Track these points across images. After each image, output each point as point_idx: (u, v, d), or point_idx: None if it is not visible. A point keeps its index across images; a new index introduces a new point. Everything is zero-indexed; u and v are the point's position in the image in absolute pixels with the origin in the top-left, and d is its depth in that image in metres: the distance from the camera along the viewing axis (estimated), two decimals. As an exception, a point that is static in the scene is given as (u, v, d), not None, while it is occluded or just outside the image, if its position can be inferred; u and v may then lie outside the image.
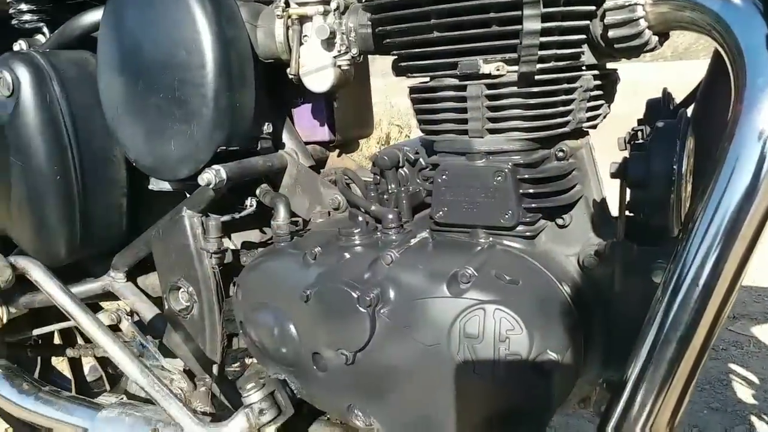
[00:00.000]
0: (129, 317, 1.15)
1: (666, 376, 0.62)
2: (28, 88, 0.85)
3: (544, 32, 0.64)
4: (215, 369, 0.96)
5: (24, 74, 0.85)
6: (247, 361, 1.15)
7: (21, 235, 0.94)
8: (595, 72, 0.73)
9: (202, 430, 0.81)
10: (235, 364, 1.15)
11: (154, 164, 0.90)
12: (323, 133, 1.02)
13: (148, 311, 1.07)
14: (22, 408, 1.06)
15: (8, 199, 0.93)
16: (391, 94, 5.14)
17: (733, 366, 2.18)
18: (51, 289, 0.80)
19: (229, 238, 0.99)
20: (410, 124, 5.16)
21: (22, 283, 1.00)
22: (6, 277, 0.76)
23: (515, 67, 0.67)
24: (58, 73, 0.89)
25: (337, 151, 1.09)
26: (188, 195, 0.94)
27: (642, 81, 3.06)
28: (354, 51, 0.84)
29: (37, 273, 0.80)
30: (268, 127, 0.95)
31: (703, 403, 1.95)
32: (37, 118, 0.86)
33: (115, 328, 1.08)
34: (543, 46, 0.65)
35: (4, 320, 1.14)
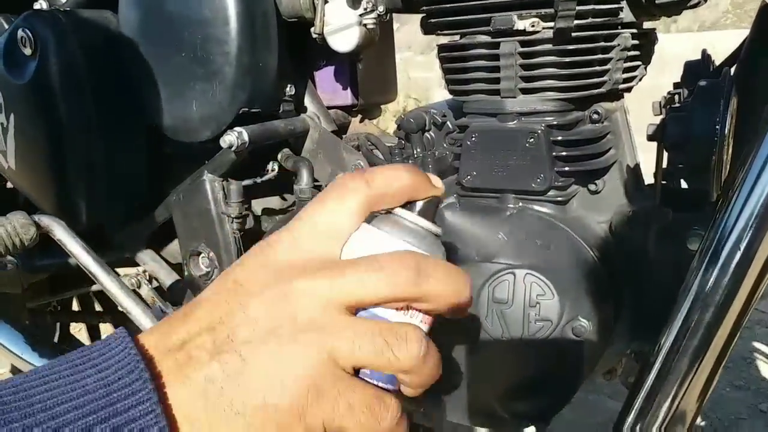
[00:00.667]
0: (149, 283, 1.15)
1: (702, 344, 0.60)
2: (50, 47, 0.83)
3: (583, -15, 0.62)
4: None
5: (46, 33, 0.83)
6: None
7: (42, 196, 0.94)
8: (633, 30, 0.69)
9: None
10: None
11: (176, 126, 0.89)
12: (345, 97, 1.00)
13: (168, 277, 1.07)
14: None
15: (30, 158, 0.92)
16: (408, 68, 5.08)
17: (757, 344, 2.15)
18: (74, 248, 0.80)
19: (249, 205, 0.98)
20: (427, 97, 5.10)
21: (42, 248, 1.00)
22: (30, 235, 0.75)
23: (551, 24, 0.64)
24: (80, 32, 0.87)
25: (359, 116, 1.07)
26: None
27: (670, 52, 2.99)
28: (380, 9, 0.81)
29: (60, 232, 0.80)
30: (290, 90, 0.93)
31: (726, 382, 1.93)
32: (59, 76, 0.84)
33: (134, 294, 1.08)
34: (581, 0, 0.62)
35: (25, 285, 1.15)
